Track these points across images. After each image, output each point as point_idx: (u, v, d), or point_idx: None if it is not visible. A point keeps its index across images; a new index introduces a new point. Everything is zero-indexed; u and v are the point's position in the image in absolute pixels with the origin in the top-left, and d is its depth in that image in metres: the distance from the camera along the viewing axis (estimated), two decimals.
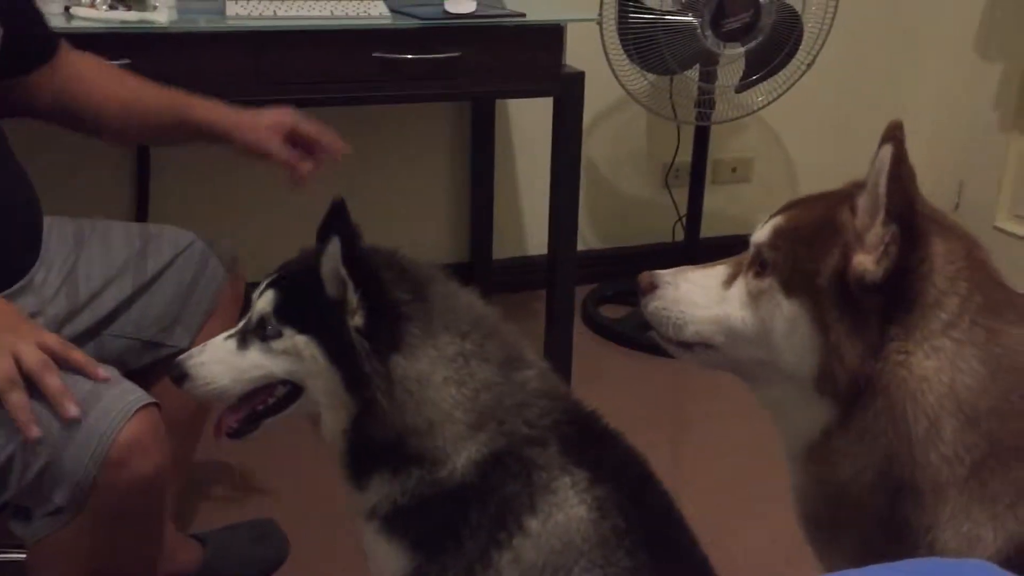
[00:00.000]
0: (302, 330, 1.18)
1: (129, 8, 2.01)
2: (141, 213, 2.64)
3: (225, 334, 1.25)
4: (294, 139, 1.61)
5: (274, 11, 2.07)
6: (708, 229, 3.00)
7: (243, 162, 2.69)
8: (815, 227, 0.99)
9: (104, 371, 1.30)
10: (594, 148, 3.07)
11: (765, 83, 2.68)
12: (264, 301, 1.21)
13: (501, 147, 2.93)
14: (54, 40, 1.59)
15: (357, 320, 1.16)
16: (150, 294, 1.61)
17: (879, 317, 0.93)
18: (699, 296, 1.08)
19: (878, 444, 0.93)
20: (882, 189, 0.93)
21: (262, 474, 2.16)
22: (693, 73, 2.68)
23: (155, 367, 1.65)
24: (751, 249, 1.04)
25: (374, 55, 2.09)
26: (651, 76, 2.64)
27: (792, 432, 1.03)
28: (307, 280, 1.18)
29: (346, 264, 1.15)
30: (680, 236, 3.08)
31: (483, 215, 2.96)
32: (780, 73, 2.66)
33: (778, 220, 1.03)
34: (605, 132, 3.09)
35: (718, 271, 1.09)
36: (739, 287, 1.04)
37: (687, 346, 1.10)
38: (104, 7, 1.99)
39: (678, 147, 3.09)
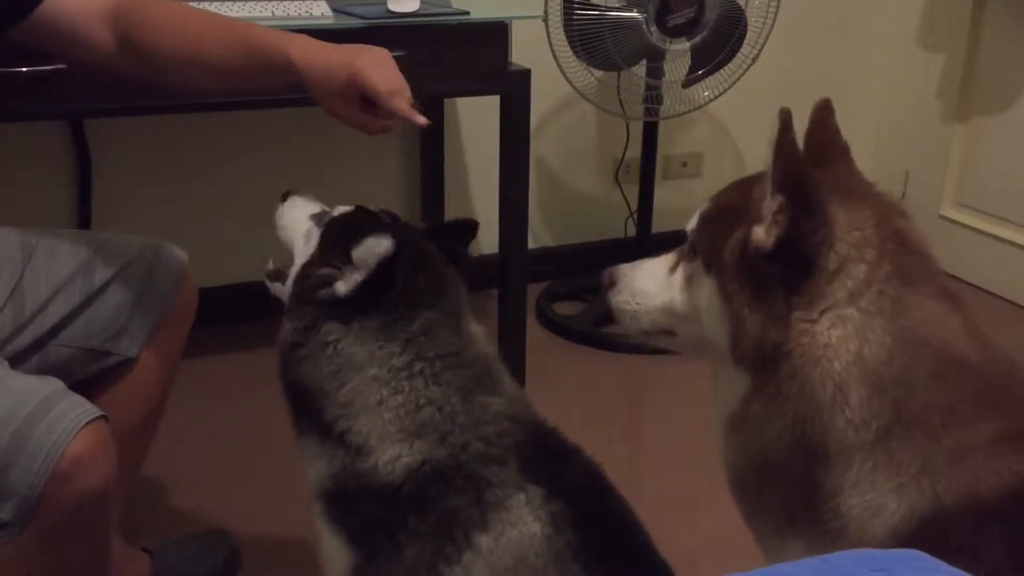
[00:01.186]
0: (320, 243, 1.27)
1: None
2: (84, 219, 2.59)
3: (326, 209, 1.35)
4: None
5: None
6: (660, 224, 3.01)
7: (192, 165, 2.68)
8: (730, 206, 1.04)
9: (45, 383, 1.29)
10: (544, 146, 3.07)
11: (711, 78, 2.70)
12: (345, 209, 1.32)
13: (451, 147, 2.92)
14: None
15: (340, 288, 1.21)
16: (98, 303, 1.58)
17: (781, 286, 0.95)
18: (650, 285, 1.13)
19: (789, 408, 0.95)
20: (768, 162, 0.96)
21: (214, 484, 2.14)
22: (640, 69, 2.69)
23: (102, 376, 1.63)
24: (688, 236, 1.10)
25: None
26: (598, 73, 2.65)
27: (719, 403, 1.06)
28: (362, 229, 1.22)
29: (379, 264, 1.19)
30: (632, 232, 3.09)
31: (434, 215, 2.95)
32: (726, 67, 2.68)
33: (704, 206, 1.08)
34: (554, 130, 3.09)
35: (667, 259, 1.13)
36: (679, 272, 1.10)
37: (651, 335, 1.15)
38: None
39: (628, 143, 3.10)
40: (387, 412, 1.18)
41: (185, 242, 1.75)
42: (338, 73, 1.30)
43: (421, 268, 1.25)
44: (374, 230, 1.21)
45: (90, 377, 1.62)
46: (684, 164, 3.31)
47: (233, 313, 2.61)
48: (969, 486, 0.90)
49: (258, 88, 1.52)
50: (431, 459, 1.16)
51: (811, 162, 1.06)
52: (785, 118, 0.95)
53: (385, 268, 1.19)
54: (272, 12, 2.08)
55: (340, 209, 1.33)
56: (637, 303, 1.13)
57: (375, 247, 1.18)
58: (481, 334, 1.29)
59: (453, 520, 1.13)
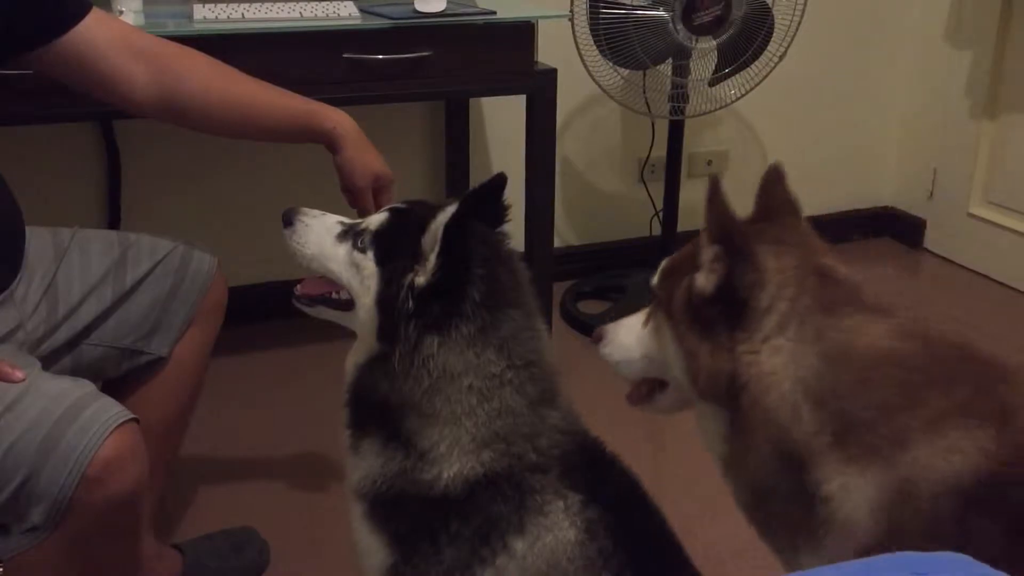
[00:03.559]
0: (379, 261, 1.22)
1: None
2: (113, 220, 2.62)
3: (341, 219, 1.31)
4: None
5: (242, 14, 2.05)
6: (685, 223, 3.00)
7: (219, 165, 2.70)
8: (683, 260, 1.16)
9: (22, 373, 1.29)
10: (569, 145, 3.07)
11: (738, 76, 2.69)
12: (377, 218, 1.26)
13: (476, 145, 2.93)
14: (85, 4, 1.50)
15: (420, 280, 1.17)
16: (129, 303, 1.60)
17: (724, 323, 1.09)
18: (630, 338, 1.25)
19: (760, 436, 1.07)
20: (704, 217, 1.09)
21: (242, 481, 2.15)
22: (666, 67, 2.68)
23: (133, 375, 1.65)
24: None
25: (344, 56, 2.08)
26: (624, 71, 2.64)
27: (712, 448, 1.17)
28: (417, 224, 1.20)
29: (446, 228, 1.15)
30: (657, 230, 3.09)
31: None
32: (752, 66, 2.67)
33: (664, 262, 1.21)
34: (579, 128, 3.09)
35: (642, 313, 1.24)
36: (650, 325, 1.21)
37: (643, 386, 1.27)
38: None
39: (653, 141, 3.09)
40: (469, 420, 1.16)
41: (213, 241, 1.77)
42: (372, 167, 1.61)
43: (496, 257, 1.22)
44: (427, 215, 1.19)
45: (122, 376, 1.64)
46: (709, 162, 3.30)
47: (262, 312, 2.63)
48: (918, 466, 1.00)
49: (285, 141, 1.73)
50: (491, 470, 1.15)
51: (762, 217, 1.18)
52: (714, 184, 1.08)
53: (456, 243, 1.15)
54: (300, 13, 2.09)
55: (374, 219, 1.28)
56: (620, 357, 1.25)
57: (440, 220, 1.16)
58: (548, 347, 1.26)
59: (493, 524, 1.13)
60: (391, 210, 1.28)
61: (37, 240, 1.55)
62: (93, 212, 2.62)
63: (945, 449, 0.98)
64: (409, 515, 1.17)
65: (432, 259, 1.16)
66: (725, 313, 1.08)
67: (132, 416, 1.30)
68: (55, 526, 1.26)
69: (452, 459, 1.15)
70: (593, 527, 1.14)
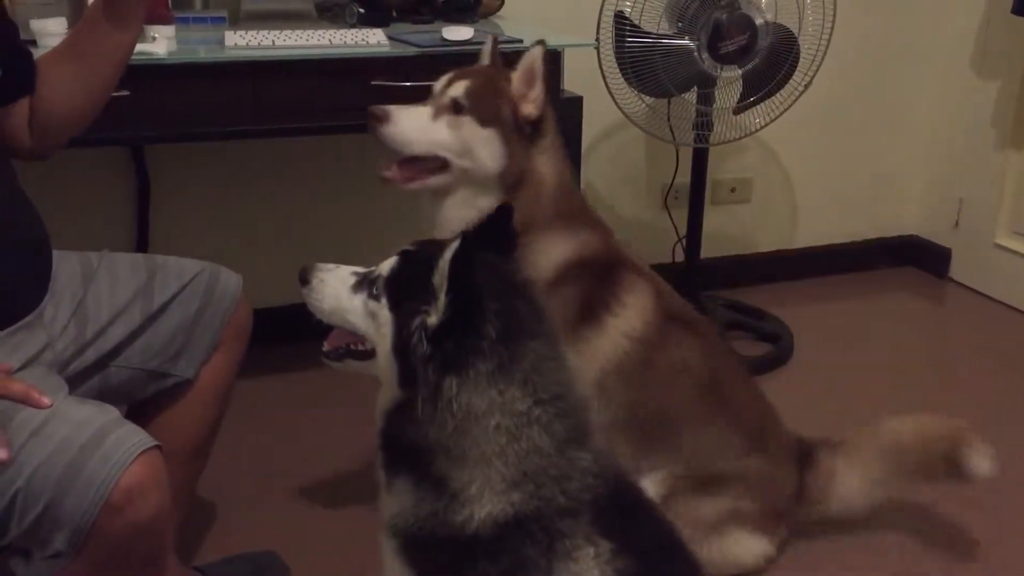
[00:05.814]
0: (392, 307, 1.21)
1: None
2: (141, 242, 2.64)
3: (355, 270, 1.31)
4: None
5: (273, 41, 2.08)
6: (708, 250, 3.00)
7: (245, 188, 2.73)
8: (490, 89, 1.76)
9: (50, 399, 1.26)
10: (593, 171, 3.08)
11: (763, 104, 2.69)
12: (389, 262, 1.26)
13: None
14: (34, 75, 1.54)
15: (431, 320, 1.16)
16: (157, 325, 1.62)
17: (531, 139, 1.77)
18: (419, 124, 1.75)
19: (528, 206, 1.75)
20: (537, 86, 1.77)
21: (265, 504, 2.16)
22: (691, 96, 2.69)
23: (159, 397, 1.66)
24: (447, 99, 1.75)
25: (373, 83, 2.10)
26: (649, 99, 2.65)
27: (475, 207, 1.75)
28: (426, 264, 1.18)
29: (451, 264, 1.14)
30: (680, 257, 3.08)
31: None
32: (778, 94, 2.67)
33: (465, 83, 1.76)
34: (604, 155, 3.10)
35: (426, 110, 1.77)
36: (443, 122, 1.74)
37: (426, 163, 1.76)
38: None
39: (677, 168, 3.09)
40: (499, 461, 1.14)
41: (239, 264, 1.78)
42: None
43: (510, 289, 1.20)
44: (436, 254, 1.17)
45: (148, 398, 1.66)
46: (733, 190, 3.30)
47: (285, 334, 2.64)
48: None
49: (114, 59, 1.55)
50: (520, 512, 1.13)
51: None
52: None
53: (462, 277, 1.14)
54: (330, 40, 2.12)
55: (384, 265, 1.28)
56: (409, 136, 1.74)
57: (447, 256, 1.14)
58: (573, 377, 1.24)
59: (520, 566, 1.12)
60: (401, 253, 1.27)
61: (65, 264, 1.57)
62: (123, 235, 2.65)
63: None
64: (439, 555, 1.16)
65: (442, 298, 1.15)
66: (532, 132, 1.76)
67: (155, 443, 1.30)
68: (77, 552, 1.27)
69: (483, 501, 1.14)
70: None
